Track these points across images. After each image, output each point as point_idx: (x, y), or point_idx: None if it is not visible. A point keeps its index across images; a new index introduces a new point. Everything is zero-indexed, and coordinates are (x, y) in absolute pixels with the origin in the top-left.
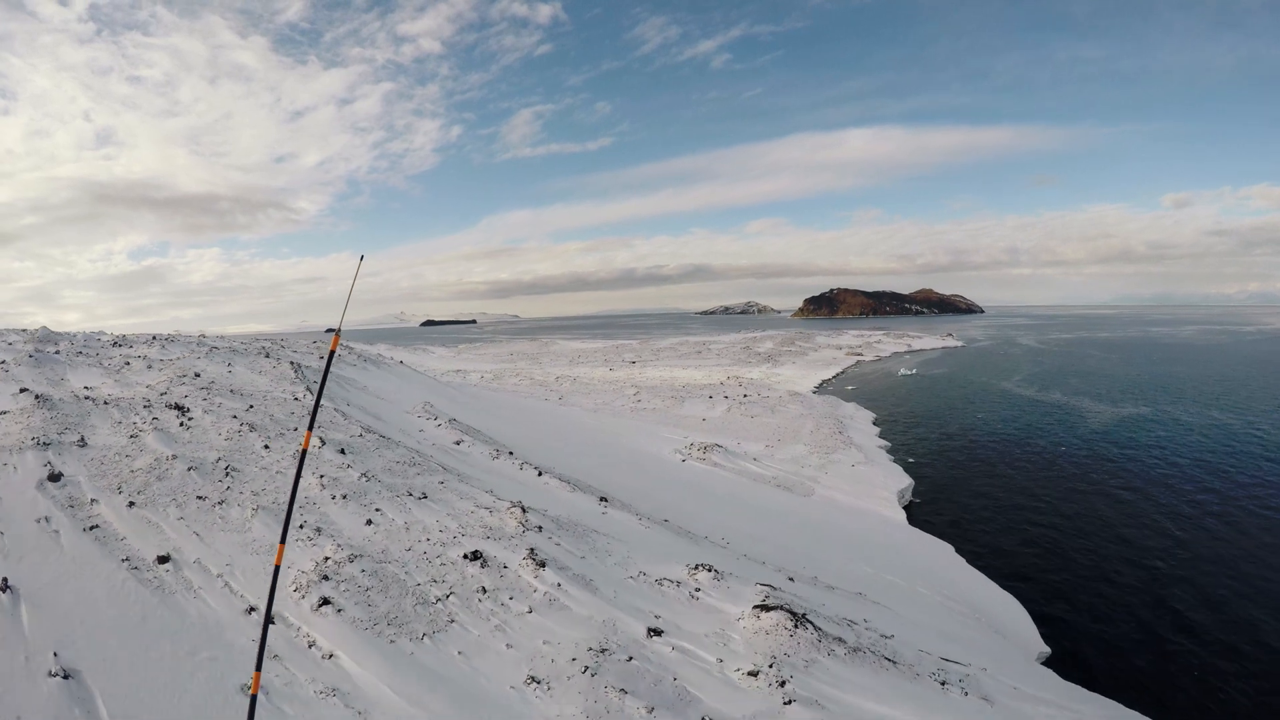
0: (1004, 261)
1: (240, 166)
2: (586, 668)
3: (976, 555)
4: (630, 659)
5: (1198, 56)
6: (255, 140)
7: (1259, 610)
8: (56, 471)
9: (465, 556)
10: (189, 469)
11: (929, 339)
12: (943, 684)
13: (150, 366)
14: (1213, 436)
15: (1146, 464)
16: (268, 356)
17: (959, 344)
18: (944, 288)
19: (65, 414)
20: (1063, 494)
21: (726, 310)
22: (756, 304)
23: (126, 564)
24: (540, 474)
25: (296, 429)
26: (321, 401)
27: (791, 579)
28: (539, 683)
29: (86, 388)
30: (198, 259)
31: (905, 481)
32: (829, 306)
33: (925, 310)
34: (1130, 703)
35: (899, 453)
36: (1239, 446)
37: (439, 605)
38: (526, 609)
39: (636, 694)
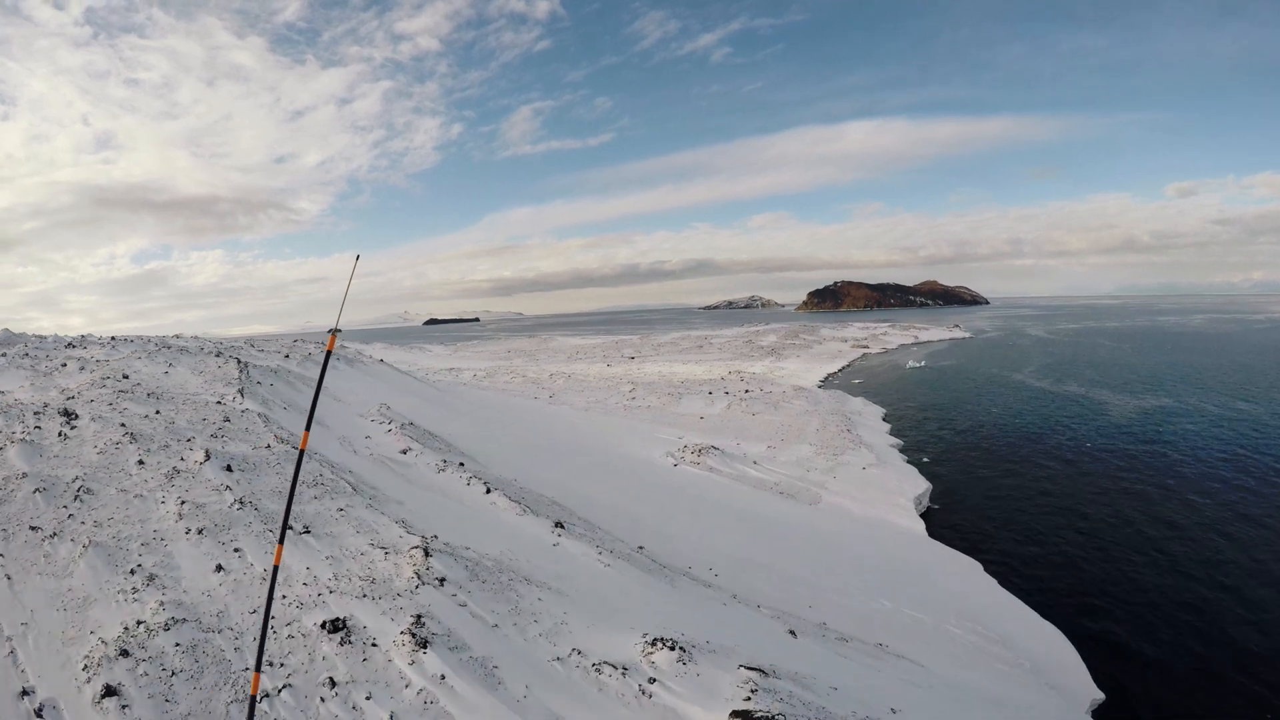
0: (1007, 253)
1: (240, 168)
2: None
3: (1006, 572)
4: None
5: (1201, 45)
6: (255, 141)
7: None
8: None
9: (324, 626)
10: (35, 490)
11: (936, 330)
12: None
13: (83, 368)
14: (1240, 430)
15: (1175, 461)
16: (218, 355)
17: (966, 335)
18: (947, 279)
19: None
20: (1091, 496)
21: (730, 305)
22: (760, 298)
23: None
24: (489, 490)
25: (193, 439)
26: (250, 406)
27: (794, 633)
28: None
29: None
30: (200, 261)
31: (922, 486)
32: (833, 299)
33: (930, 302)
34: None
35: (912, 452)
36: (1270, 440)
37: (263, 707)
38: (386, 718)
39: None
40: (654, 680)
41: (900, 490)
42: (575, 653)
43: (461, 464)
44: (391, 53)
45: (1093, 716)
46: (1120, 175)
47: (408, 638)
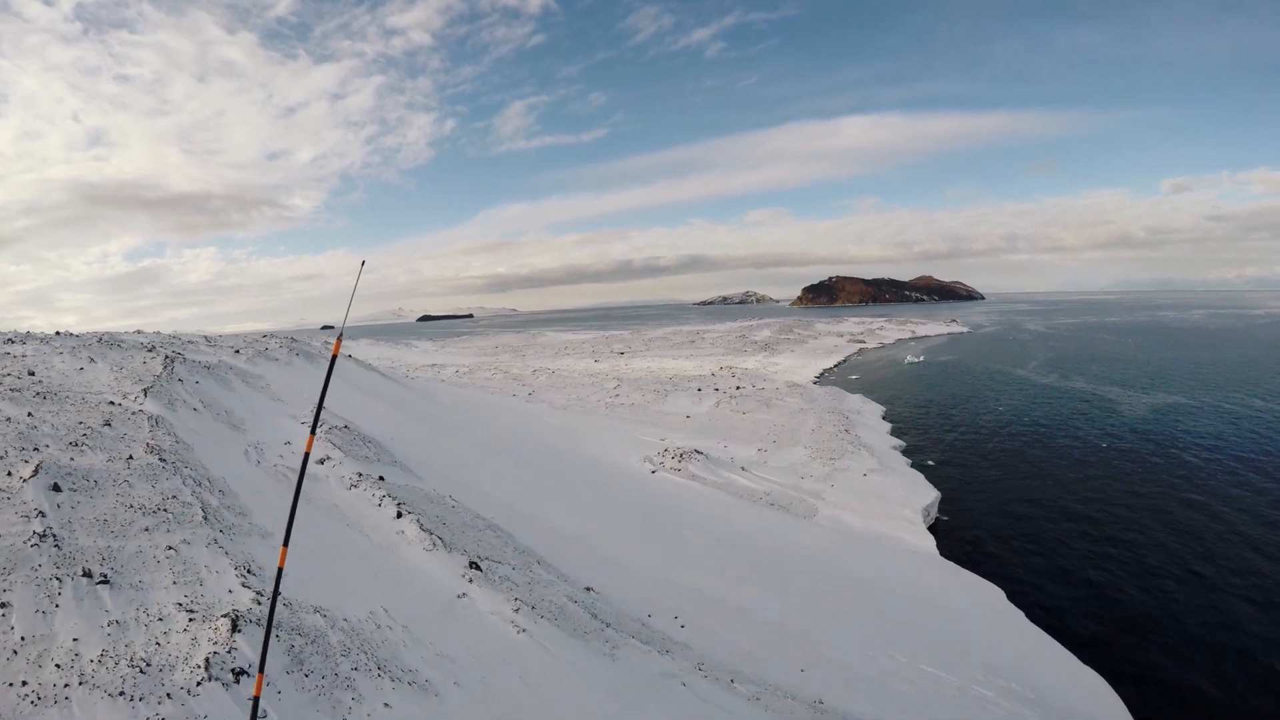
0: (1002, 248)
1: (233, 164)
2: None
3: (1031, 600)
4: None
5: (1199, 41)
6: (248, 137)
7: None
8: None
9: None
10: None
11: (933, 325)
12: None
13: None
14: (1260, 430)
15: (1196, 465)
16: (150, 351)
17: (964, 330)
18: (943, 275)
19: None
20: (1110, 505)
21: (725, 300)
22: (755, 293)
23: None
24: (400, 515)
25: (43, 448)
26: (147, 408)
27: None
28: None
29: None
30: (194, 259)
31: (929, 495)
32: (828, 294)
33: (925, 297)
34: None
35: (916, 454)
36: None
37: None
38: None
39: None
40: None
41: (906, 500)
42: None
43: (381, 478)
44: (384, 48)
45: None
46: (1116, 171)
47: None
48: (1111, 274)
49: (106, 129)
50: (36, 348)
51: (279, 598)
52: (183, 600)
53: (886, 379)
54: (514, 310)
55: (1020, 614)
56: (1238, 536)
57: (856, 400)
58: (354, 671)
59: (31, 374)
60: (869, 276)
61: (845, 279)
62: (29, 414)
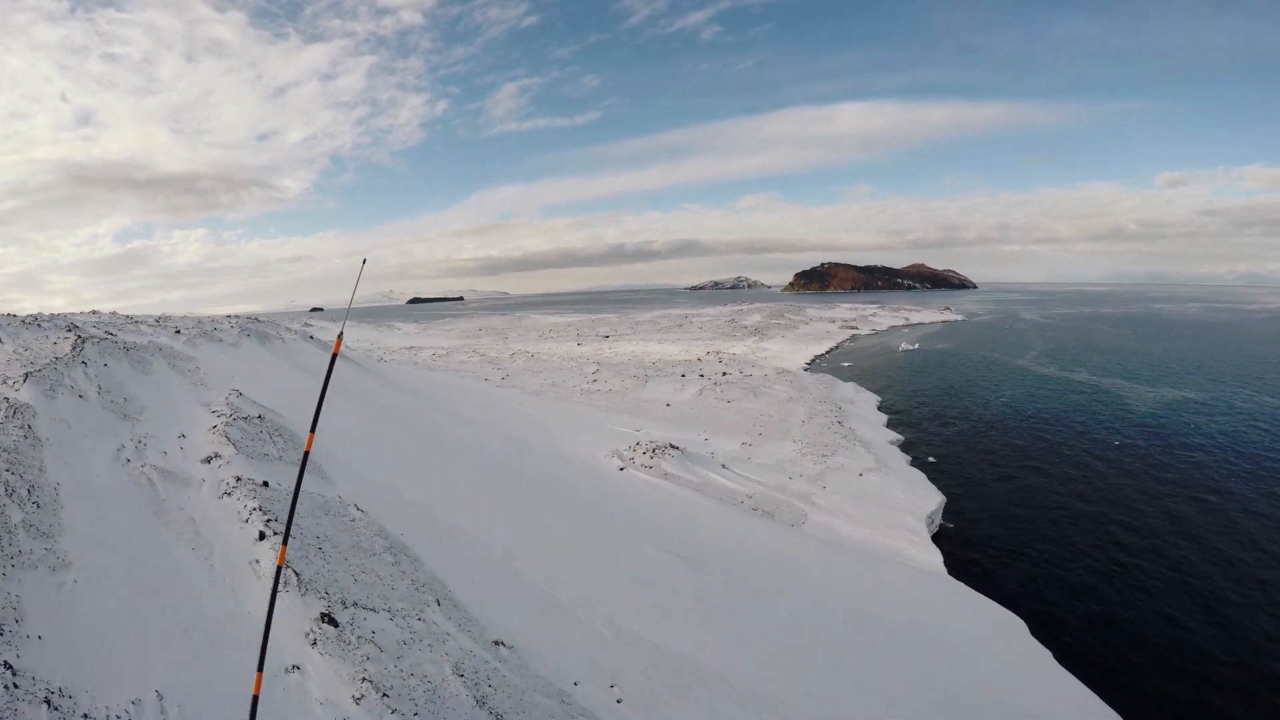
0: (995, 238)
1: (222, 144)
2: None
3: (1060, 635)
4: None
5: (1196, 35)
6: (237, 118)
7: None
8: None
9: None
10: None
11: (927, 313)
12: None
13: None
14: (1277, 429)
15: (1213, 466)
16: (70, 330)
17: (959, 318)
18: (935, 263)
19: None
20: (1135, 512)
21: (716, 285)
22: (747, 279)
23: None
24: (262, 537)
25: None
26: (18, 397)
27: None
28: None
29: None
30: (184, 240)
31: (933, 499)
32: (820, 281)
33: (917, 285)
34: None
35: (915, 450)
36: None
37: None
38: None
39: None
40: None
41: (907, 505)
42: None
43: (265, 484)
44: (375, 27)
45: None
46: (1111, 164)
47: None
48: (1103, 266)
49: (94, 109)
50: None
51: (278, 597)
52: None
53: (881, 367)
54: (505, 293)
55: (1047, 653)
56: (1264, 550)
57: (850, 389)
58: None
59: None
60: (861, 264)
61: (838, 265)
62: None
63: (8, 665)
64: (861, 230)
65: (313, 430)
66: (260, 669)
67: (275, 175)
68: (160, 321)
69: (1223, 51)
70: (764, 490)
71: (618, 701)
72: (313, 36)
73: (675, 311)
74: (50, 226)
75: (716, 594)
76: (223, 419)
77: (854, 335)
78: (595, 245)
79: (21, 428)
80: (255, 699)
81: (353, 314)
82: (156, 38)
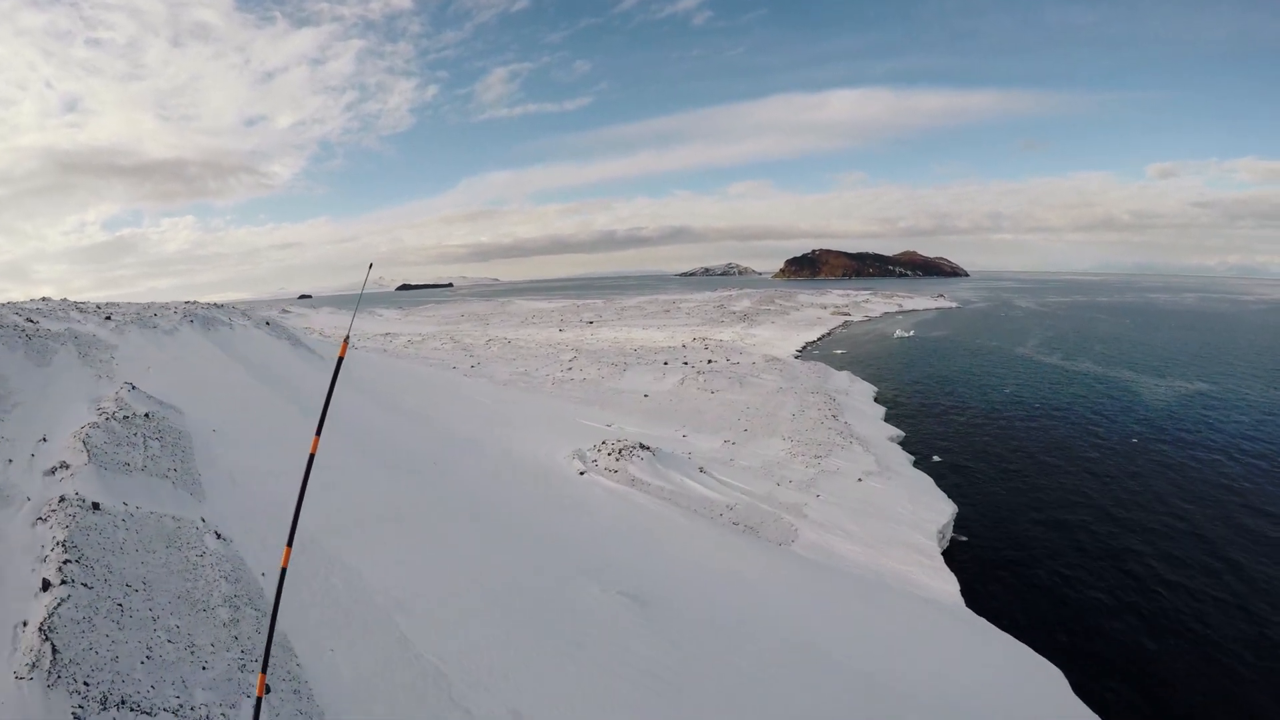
0: (986, 227)
1: (209, 130)
2: None
3: (1104, 687)
4: None
5: (1191, 25)
6: (225, 103)
7: None
8: None
9: None
10: None
11: (920, 300)
12: None
13: None
14: None
15: (1241, 471)
16: (31, 321)
17: (953, 305)
18: (926, 251)
19: None
20: (1174, 519)
21: (707, 271)
22: (737, 265)
23: None
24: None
25: None
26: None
27: None
28: None
29: None
30: (172, 227)
31: (945, 510)
32: (811, 267)
33: (909, 272)
34: None
35: (918, 448)
36: None
37: None
38: None
39: None
40: None
41: (915, 518)
42: None
43: (96, 505)
44: (364, 11)
45: None
46: (1103, 154)
47: None
48: (1094, 256)
49: (80, 95)
50: None
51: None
52: None
53: (875, 354)
54: (495, 280)
55: (1095, 717)
56: None
57: (844, 378)
58: None
59: None
60: (853, 250)
61: (829, 252)
62: None
63: None
64: (853, 217)
65: (318, 434)
66: (264, 670)
67: (264, 161)
68: (101, 308)
69: (1217, 42)
70: (748, 500)
71: None
72: (301, 20)
73: (663, 297)
74: (38, 215)
75: (671, 664)
76: (103, 417)
77: (846, 322)
78: (586, 232)
79: None
80: (259, 701)
81: (339, 300)
82: (141, 22)
